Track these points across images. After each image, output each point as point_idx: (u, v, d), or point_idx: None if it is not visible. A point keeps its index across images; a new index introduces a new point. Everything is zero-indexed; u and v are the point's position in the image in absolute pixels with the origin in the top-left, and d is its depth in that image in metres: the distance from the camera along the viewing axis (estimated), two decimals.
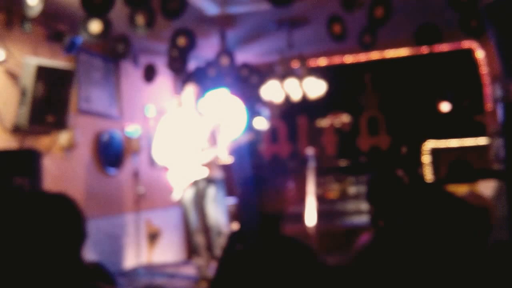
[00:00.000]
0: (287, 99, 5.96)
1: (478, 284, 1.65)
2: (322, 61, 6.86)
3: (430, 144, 7.38)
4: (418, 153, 7.38)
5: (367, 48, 5.15)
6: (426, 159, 7.35)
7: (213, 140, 4.66)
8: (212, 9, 4.86)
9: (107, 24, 4.21)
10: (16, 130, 4.18)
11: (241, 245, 1.96)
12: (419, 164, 7.32)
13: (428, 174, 7.21)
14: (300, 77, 5.91)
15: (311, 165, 5.41)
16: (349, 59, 6.82)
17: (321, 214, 5.45)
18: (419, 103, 7.50)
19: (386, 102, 7.78)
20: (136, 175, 5.43)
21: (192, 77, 6.14)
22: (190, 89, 4.70)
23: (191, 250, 5.05)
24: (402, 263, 1.76)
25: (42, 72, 4.15)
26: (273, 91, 5.93)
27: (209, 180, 4.56)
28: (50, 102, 4.26)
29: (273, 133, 7.81)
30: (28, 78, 4.10)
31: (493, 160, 5.56)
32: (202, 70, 6.23)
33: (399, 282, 1.77)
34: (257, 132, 7.17)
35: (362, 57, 6.73)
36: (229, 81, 6.43)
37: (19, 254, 1.24)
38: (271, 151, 7.83)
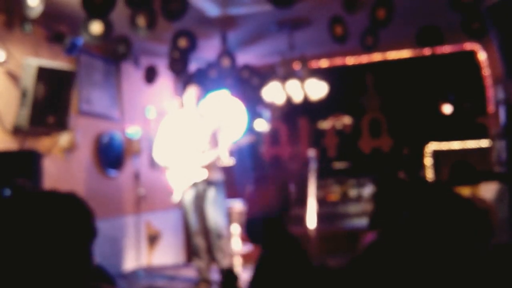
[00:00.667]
0: (288, 100, 5.95)
1: (479, 286, 1.64)
2: (324, 63, 6.85)
3: (432, 146, 7.37)
4: (420, 155, 7.36)
5: (369, 49, 5.14)
6: (428, 161, 7.33)
7: (214, 141, 4.64)
8: (213, 11, 4.85)
9: (108, 25, 4.20)
10: (17, 131, 4.17)
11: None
12: (421, 166, 7.30)
13: (430, 176, 7.19)
14: (302, 78, 5.90)
15: (312, 167, 5.40)
16: (350, 60, 6.81)
17: (322, 216, 5.44)
18: (421, 105, 7.47)
19: (388, 104, 7.77)
20: (136, 176, 5.42)
21: (193, 79, 6.13)
22: (191, 90, 4.68)
23: (191, 252, 5.03)
24: (404, 264, 1.75)
25: (43, 73, 4.15)
26: (274, 92, 5.92)
27: (209, 182, 4.54)
28: (50, 103, 4.25)
29: (274, 135, 7.80)
30: (28, 79, 4.10)
31: (495, 162, 5.54)
32: (203, 72, 6.22)
33: (402, 282, 1.76)
34: (258, 134, 7.16)
35: (363, 59, 6.72)
36: (230, 82, 6.43)
37: (28, 254, 1.24)
38: (272, 153, 7.81)
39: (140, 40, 5.03)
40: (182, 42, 5.10)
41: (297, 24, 5.35)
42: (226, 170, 4.92)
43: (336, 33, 4.93)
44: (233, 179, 6.21)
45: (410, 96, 7.45)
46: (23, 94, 4.10)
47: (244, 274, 4.76)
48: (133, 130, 5.62)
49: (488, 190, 4.64)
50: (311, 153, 5.54)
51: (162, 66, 5.75)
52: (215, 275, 4.67)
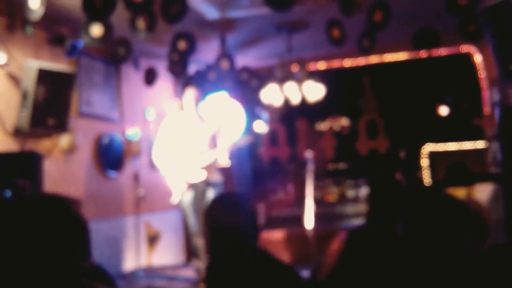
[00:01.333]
0: (287, 102, 5.99)
1: (476, 286, 1.67)
2: (321, 65, 6.88)
3: (428, 148, 7.42)
4: (416, 156, 7.41)
5: (366, 52, 5.18)
6: (424, 162, 7.38)
7: (213, 143, 4.68)
8: (212, 13, 4.90)
9: (108, 28, 4.23)
10: (17, 132, 4.20)
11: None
12: (418, 167, 7.35)
13: (427, 177, 7.23)
14: (300, 80, 5.94)
15: (310, 168, 5.44)
16: (348, 63, 6.85)
17: (319, 217, 5.47)
18: (418, 107, 7.53)
19: (385, 106, 7.83)
20: (136, 177, 5.45)
21: (192, 81, 6.17)
22: (190, 92, 4.72)
23: (191, 253, 5.06)
24: (400, 265, 1.78)
25: (44, 75, 4.18)
26: (273, 94, 5.96)
27: (208, 183, 4.58)
28: (51, 105, 4.28)
29: (272, 136, 7.85)
30: (29, 81, 4.13)
31: (491, 163, 5.59)
32: (202, 74, 6.25)
33: (400, 283, 1.79)
34: (257, 136, 7.19)
35: (361, 61, 6.76)
36: (229, 84, 6.46)
37: (15, 258, 1.23)
38: (270, 154, 7.85)
39: (140, 43, 5.07)
40: (182, 45, 5.13)
41: (295, 27, 5.39)
42: (225, 171, 4.95)
43: (334, 35, 4.97)
44: (232, 180, 6.24)
45: (406, 98, 7.51)
46: (24, 96, 4.13)
47: None
48: (133, 132, 5.65)
49: (483, 191, 4.69)
50: (309, 154, 5.58)
51: (162, 68, 5.79)
52: None
